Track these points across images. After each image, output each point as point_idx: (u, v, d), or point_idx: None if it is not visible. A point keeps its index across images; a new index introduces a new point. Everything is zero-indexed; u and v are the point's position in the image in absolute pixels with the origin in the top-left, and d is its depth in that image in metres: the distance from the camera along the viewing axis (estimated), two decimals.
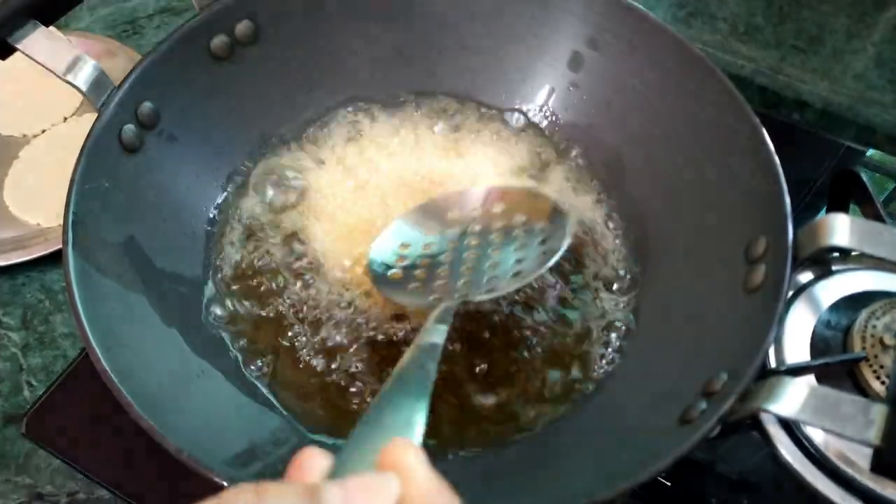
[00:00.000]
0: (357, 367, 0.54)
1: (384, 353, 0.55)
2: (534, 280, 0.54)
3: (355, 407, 0.53)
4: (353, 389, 0.54)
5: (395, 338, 0.56)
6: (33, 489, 0.57)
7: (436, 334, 0.42)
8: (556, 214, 0.55)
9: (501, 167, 0.65)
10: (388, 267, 0.54)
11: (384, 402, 0.33)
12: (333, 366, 0.55)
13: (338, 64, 0.66)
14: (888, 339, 0.54)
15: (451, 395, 0.54)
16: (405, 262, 0.54)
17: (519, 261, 0.52)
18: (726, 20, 0.86)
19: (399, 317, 0.56)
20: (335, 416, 0.53)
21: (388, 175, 0.64)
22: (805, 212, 0.70)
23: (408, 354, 0.39)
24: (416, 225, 0.57)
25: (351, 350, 0.55)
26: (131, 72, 0.53)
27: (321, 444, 0.51)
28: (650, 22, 0.59)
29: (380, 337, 0.56)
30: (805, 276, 0.60)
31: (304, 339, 0.56)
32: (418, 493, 0.25)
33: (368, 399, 0.54)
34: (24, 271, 0.68)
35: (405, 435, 0.30)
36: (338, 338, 0.56)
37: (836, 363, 0.55)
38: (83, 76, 0.51)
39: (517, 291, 0.57)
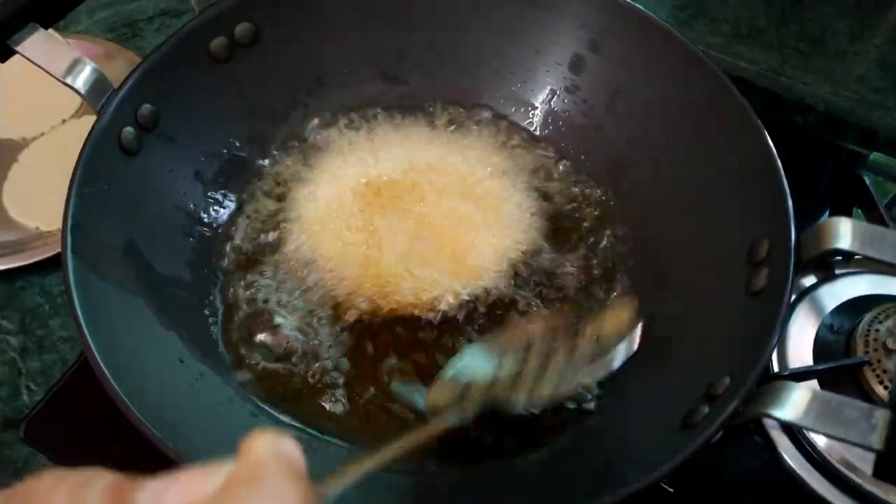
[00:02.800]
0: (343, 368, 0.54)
1: (376, 353, 0.55)
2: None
3: (349, 407, 0.53)
4: (339, 392, 0.54)
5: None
6: None
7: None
8: (618, 320, 0.52)
9: (501, 169, 0.65)
10: (455, 387, 0.50)
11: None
12: (321, 369, 0.55)
13: (337, 65, 0.66)
14: (891, 343, 0.54)
15: None
16: (464, 392, 0.49)
17: (586, 369, 0.50)
18: (728, 22, 0.86)
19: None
20: (329, 416, 0.53)
21: (386, 175, 0.64)
22: (808, 215, 0.70)
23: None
24: (488, 353, 0.52)
25: (342, 352, 0.55)
26: (130, 74, 0.53)
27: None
28: (652, 24, 0.59)
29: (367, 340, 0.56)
30: (808, 280, 0.60)
31: (298, 344, 0.56)
32: (245, 467, 0.23)
33: (360, 401, 0.53)
34: (23, 275, 0.68)
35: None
36: (332, 339, 0.55)
37: (838, 367, 0.55)
38: (82, 79, 0.51)
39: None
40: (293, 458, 0.24)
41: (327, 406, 0.53)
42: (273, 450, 0.24)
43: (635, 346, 0.51)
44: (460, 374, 0.50)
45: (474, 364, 0.51)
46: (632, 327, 0.52)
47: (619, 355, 0.50)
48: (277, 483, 0.22)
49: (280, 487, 0.22)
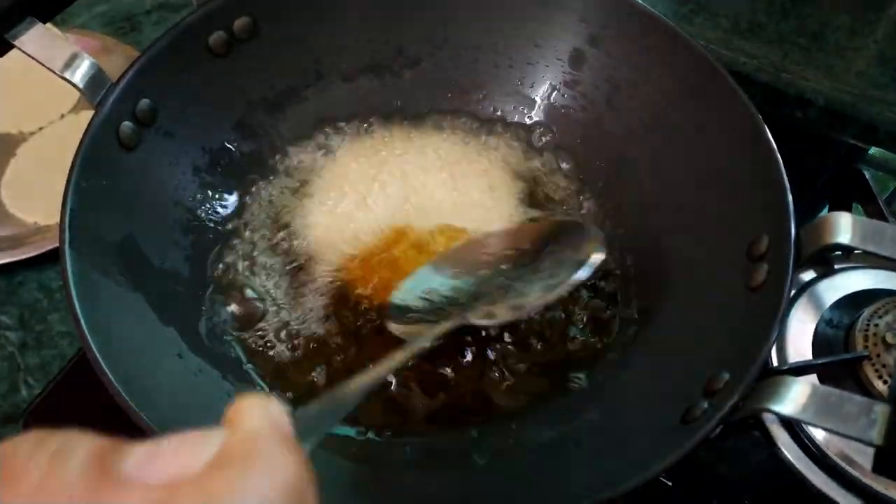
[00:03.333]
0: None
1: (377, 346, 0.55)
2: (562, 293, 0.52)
3: None
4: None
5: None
6: None
7: (420, 345, 0.45)
8: (586, 239, 0.53)
9: (501, 164, 0.65)
10: (408, 310, 0.53)
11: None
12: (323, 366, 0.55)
13: (336, 60, 0.66)
14: (891, 338, 0.54)
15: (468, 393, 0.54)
16: (426, 306, 0.53)
17: (547, 286, 0.51)
18: (728, 17, 0.85)
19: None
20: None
21: (384, 176, 0.63)
22: (807, 210, 0.70)
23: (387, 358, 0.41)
24: (442, 270, 0.55)
25: (343, 345, 0.55)
26: (129, 68, 0.53)
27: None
28: (652, 19, 0.59)
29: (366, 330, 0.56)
30: (807, 275, 0.60)
31: (299, 339, 0.56)
32: (238, 438, 0.22)
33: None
34: (21, 270, 0.67)
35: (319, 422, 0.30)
36: (332, 333, 0.55)
37: (838, 362, 0.55)
38: (80, 73, 0.51)
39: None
40: (284, 425, 0.23)
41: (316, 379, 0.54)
42: (265, 418, 0.23)
43: (590, 272, 0.50)
44: (415, 291, 0.53)
45: (430, 281, 0.53)
46: (591, 253, 0.52)
47: (576, 276, 0.50)
48: (274, 456, 0.22)
49: (277, 461, 0.21)
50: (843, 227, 0.43)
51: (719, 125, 0.55)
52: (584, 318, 0.57)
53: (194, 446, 0.22)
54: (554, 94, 0.66)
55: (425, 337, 0.47)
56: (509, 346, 0.55)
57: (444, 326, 0.49)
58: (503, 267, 0.54)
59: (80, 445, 0.21)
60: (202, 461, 0.21)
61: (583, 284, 0.58)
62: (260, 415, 0.23)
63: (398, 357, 0.43)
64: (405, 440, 0.52)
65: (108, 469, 0.20)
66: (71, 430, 0.21)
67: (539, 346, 0.56)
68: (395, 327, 0.53)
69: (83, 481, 0.20)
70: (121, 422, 0.40)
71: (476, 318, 0.50)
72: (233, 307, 0.57)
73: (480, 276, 0.54)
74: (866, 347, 0.55)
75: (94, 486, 0.20)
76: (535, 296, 0.51)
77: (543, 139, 0.67)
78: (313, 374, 0.54)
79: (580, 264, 0.50)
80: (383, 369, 0.41)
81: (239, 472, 0.21)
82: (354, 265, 0.59)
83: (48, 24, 0.51)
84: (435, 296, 0.53)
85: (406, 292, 0.54)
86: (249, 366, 0.54)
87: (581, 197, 0.63)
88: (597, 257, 0.51)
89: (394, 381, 0.54)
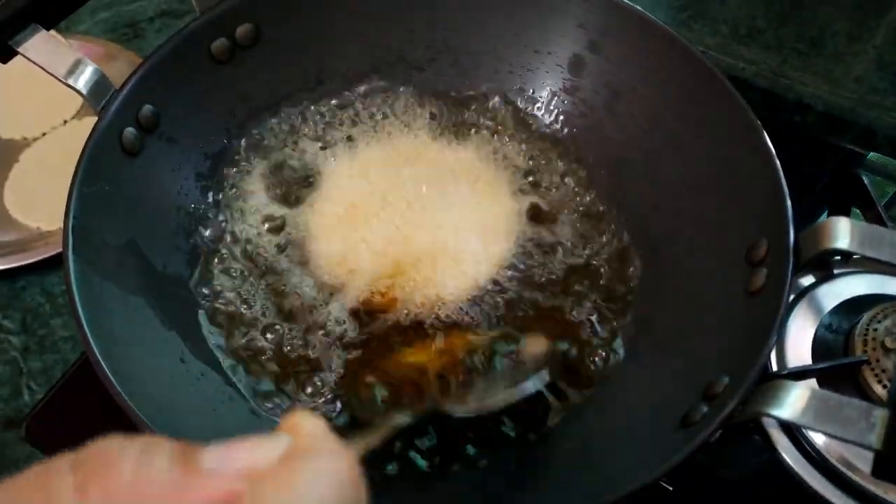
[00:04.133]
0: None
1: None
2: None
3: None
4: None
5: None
6: None
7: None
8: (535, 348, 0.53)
9: (502, 170, 0.65)
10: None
11: None
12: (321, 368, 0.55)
13: (337, 67, 0.66)
14: (890, 343, 0.54)
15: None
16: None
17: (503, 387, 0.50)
18: (727, 23, 0.86)
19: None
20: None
21: (386, 183, 0.64)
22: (806, 215, 0.70)
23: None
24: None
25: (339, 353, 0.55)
26: (132, 75, 0.53)
27: None
28: (651, 25, 0.59)
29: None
30: (806, 280, 0.60)
31: (298, 342, 0.56)
32: (303, 440, 0.25)
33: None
34: (24, 275, 0.68)
35: None
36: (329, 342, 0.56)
37: (837, 367, 0.55)
38: (84, 79, 0.51)
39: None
40: (331, 434, 0.26)
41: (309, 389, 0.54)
42: (320, 426, 0.26)
43: (546, 379, 0.49)
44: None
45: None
46: (545, 360, 0.51)
47: (530, 384, 0.49)
48: (336, 452, 0.25)
49: (339, 456, 0.25)
50: (842, 232, 0.44)
51: (718, 130, 0.55)
52: (585, 321, 0.57)
53: (265, 445, 0.25)
54: (554, 99, 0.67)
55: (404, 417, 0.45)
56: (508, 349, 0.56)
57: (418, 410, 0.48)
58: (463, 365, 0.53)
59: (163, 444, 0.23)
60: (275, 456, 0.24)
61: (583, 285, 0.58)
62: (316, 423, 0.26)
63: (379, 435, 0.41)
64: (405, 444, 0.53)
65: (192, 463, 0.23)
66: (147, 436, 0.24)
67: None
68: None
69: (171, 474, 0.22)
70: (123, 426, 0.40)
71: (447, 406, 0.49)
72: (234, 310, 0.57)
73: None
74: (865, 352, 0.55)
75: (182, 478, 0.22)
76: (489, 396, 0.50)
77: (543, 144, 0.67)
78: (307, 382, 0.54)
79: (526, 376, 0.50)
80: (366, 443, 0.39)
81: (311, 464, 0.24)
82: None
83: (52, 31, 0.52)
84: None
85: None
86: (248, 372, 0.55)
87: (581, 201, 0.64)
88: (542, 374, 0.50)
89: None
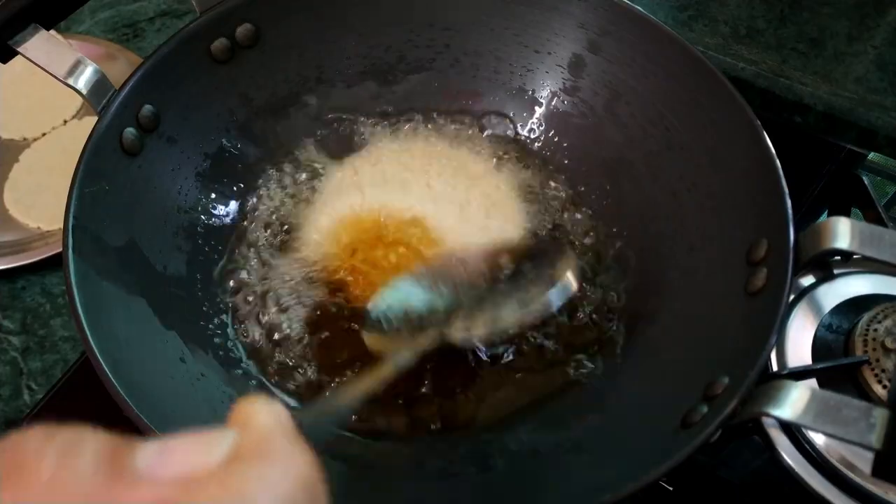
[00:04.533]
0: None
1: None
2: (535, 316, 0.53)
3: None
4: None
5: None
6: None
7: (400, 362, 0.45)
8: (562, 261, 0.54)
9: (501, 169, 0.65)
10: (384, 322, 0.53)
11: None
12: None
13: (337, 66, 0.66)
14: (890, 343, 0.54)
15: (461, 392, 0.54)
16: (403, 320, 0.53)
17: (524, 302, 0.52)
18: (727, 23, 0.86)
19: None
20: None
21: (385, 182, 0.64)
22: (806, 215, 0.70)
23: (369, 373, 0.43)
24: (420, 284, 0.55)
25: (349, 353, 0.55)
26: (132, 75, 0.53)
27: None
28: (651, 25, 0.59)
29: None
30: (807, 280, 0.61)
31: (300, 343, 0.56)
32: (253, 436, 0.22)
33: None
34: (24, 275, 0.68)
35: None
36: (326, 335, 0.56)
37: (837, 367, 0.55)
38: (84, 79, 0.51)
39: None
40: (290, 426, 0.23)
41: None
42: (275, 419, 0.23)
43: (573, 289, 0.51)
44: (391, 307, 0.53)
45: (406, 296, 0.54)
46: (567, 271, 0.52)
47: (556, 297, 0.50)
48: (288, 452, 0.22)
49: (291, 457, 0.22)
50: (842, 232, 0.44)
51: (718, 130, 0.55)
52: (585, 322, 0.57)
53: (207, 444, 0.21)
54: (554, 100, 0.67)
55: (407, 352, 0.47)
56: (508, 351, 0.56)
57: (422, 342, 0.49)
58: (481, 284, 0.54)
59: (90, 441, 0.20)
60: (216, 459, 0.21)
61: (583, 287, 0.58)
62: (267, 414, 0.23)
63: (380, 372, 0.43)
64: (405, 446, 0.53)
65: (120, 466, 0.20)
66: (79, 426, 0.21)
67: (538, 351, 0.56)
68: (370, 340, 0.52)
69: (95, 478, 0.19)
70: (123, 426, 0.40)
71: (454, 334, 0.50)
72: (233, 311, 0.57)
73: (458, 293, 0.54)
74: (865, 352, 0.55)
75: (107, 483, 0.19)
76: (511, 314, 0.51)
77: (544, 145, 0.67)
78: (310, 374, 0.54)
79: (555, 285, 0.51)
80: (366, 384, 0.41)
81: (257, 468, 0.21)
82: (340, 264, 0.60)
83: (52, 31, 0.52)
84: (412, 310, 0.53)
85: (384, 305, 0.54)
86: (250, 366, 0.55)
87: (581, 201, 0.64)
88: (570, 281, 0.51)
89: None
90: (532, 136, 0.67)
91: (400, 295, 0.54)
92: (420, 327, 0.51)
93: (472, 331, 0.50)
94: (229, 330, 0.56)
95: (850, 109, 0.78)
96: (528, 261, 0.55)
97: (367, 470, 0.51)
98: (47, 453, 0.19)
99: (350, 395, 0.40)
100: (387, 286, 0.55)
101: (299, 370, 0.55)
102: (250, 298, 0.58)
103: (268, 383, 0.54)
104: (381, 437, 0.53)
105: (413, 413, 0.54)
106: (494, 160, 0.66)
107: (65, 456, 0.19)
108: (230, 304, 0.58)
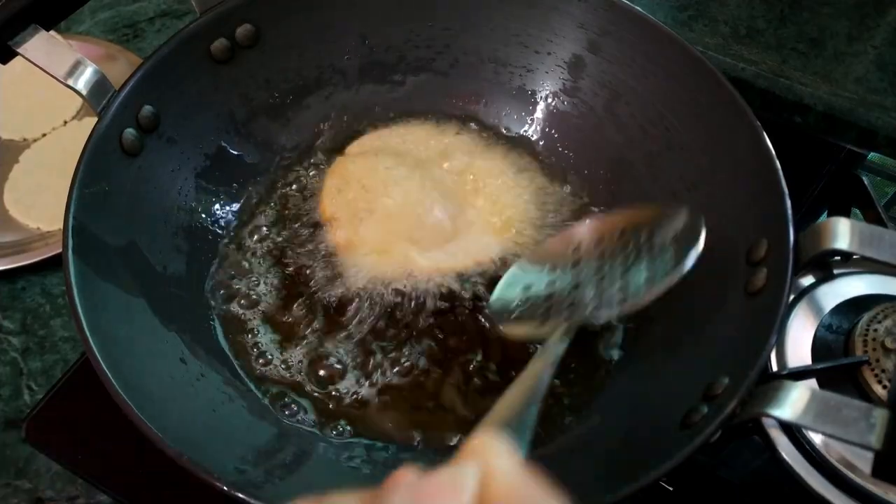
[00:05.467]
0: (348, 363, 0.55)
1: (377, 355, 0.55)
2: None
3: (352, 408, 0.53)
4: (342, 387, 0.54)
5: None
6: (33, 493, 0.57)
7: (555, 350, 0.44)
8: (675, 219, 0.51)
9: (501, 169, 0.65)
10: (509, 310, 0.52)
11: (505, 404, 0.35)
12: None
13: (337, 66, 0.66)
14: (889, 343, 0.54)
15: (455, 396, 0.54)
16: (528, 304, 0.52)
17: (649, 276, 0.49)
18: (727, 23, 0.86)
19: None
20: (328, 414, 0.53)
21: (385, 184, 0.64)
22: (806, 215, 0.70)
23: (529, 366, 0.41)
24: (535, 267, 0.54)
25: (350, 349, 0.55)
26: (132, 76, 0.53)
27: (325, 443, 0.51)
28: (651, 25, 0.59)
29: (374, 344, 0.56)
30: (806, 280, 0.60)
31: (302, 346, 0.56)
32: (499, 486, 0.23)
33: (360, 395, 0.53)
34: (23, 275, 0.68)
35: (520, 434, 0.31)
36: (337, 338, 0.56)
37: (837, 367, 0.55)
38: (84, 80, 0.51)
39: None
40: (521, 464, 0.24)
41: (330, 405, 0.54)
42: (507, 456, 0.24)
43: (701, 245, 0.47)
44: (513, 290, 0.52)
45: (525, 279, 0.53)
46: (690, 226, 0.49)
47: (691, 256, 0.47)
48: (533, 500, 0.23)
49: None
50: (842, 233, 0.44)
51: (718, 131, 0.55)
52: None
53: (453, 487, 0.22)
54: (554, 100, 0.67)
55: (558, 340, 0.45)
56: (507, 351, 0.56)
57: (566, 326, 0.47)
58: (598, 260, 0.53)
59: (347, 502, 0.22)
60: (464, 501, 0.22)
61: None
62: (501, 452, 0.24)
63: (540, 365, 0.41)
64: (403, 448, 0.53)
65: None
66: (331, 495, 0.23)
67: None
68: (508, 330, 0.51)
69: None
70: (123, 426, 0.41)
71: (592, 316, 0.48)
72: (234, 311, 0.57)
73: (577, 271, 0.53)
74: (865, 352, 0.55)
75: None
76: (642, 288, 0.49)
77: (544, 145, 0.67)
78: (312, 376, 0.54)
79: (681, 251, 0.48)
80: (536, 380, 0.39)
81: None
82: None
83: (52, 32, 0.52)
84: (533, 294, 0.52)
85: (504, 292, 0.53)
86: (244, 368, 0.55)
87: (581, 201, 0.64)
88: (699, 242, 0.48)
89: (379, 391, 0.54)
90: (532, 136, 0.67)
91: (517, 281, 0.53)
92: (546, 311, 0.50)
93: (603, 309, 0.49)
94: (229, 331, 0.56)
95: (850, 109, 0.78)
96: (642, 229, 0.52)
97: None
98: None
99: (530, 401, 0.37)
100: (504, 276, 0.54)
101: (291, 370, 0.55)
102: (249, 299, 0.58)
103: (267, 383, 0.54)
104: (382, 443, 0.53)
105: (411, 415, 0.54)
106: (494, 159, 0.66)
107: None
108: (230, 305, 0.57)
